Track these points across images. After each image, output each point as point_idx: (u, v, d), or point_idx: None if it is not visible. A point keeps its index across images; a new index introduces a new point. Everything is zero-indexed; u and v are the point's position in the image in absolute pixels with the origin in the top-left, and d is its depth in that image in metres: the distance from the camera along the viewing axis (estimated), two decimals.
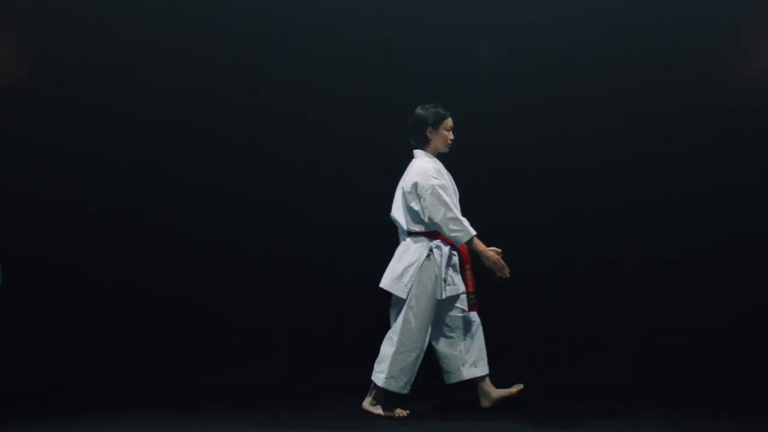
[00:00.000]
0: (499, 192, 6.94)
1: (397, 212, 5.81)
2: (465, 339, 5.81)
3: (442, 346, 5.82)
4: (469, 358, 5.80)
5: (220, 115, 7.03)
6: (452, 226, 5.57)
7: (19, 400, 6.31)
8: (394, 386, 5.67)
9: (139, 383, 6.74)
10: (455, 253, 5.77)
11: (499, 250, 5.67)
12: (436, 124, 5.75)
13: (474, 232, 5.61)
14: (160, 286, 6.94)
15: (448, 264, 5.71)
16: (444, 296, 5.66)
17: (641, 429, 5.52)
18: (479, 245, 5.63)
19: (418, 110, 5.82)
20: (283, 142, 7.04)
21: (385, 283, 5.76)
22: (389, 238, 6.91)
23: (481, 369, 5.81)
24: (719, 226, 6.83)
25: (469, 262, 5.74)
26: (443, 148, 5.81)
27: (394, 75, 7.00)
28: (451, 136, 5.81)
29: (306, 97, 7.02)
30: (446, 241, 5.71)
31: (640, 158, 6.93)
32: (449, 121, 5.79)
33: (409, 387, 5.70)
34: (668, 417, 5.76)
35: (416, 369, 5.71)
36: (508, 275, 5.68)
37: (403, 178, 5.82)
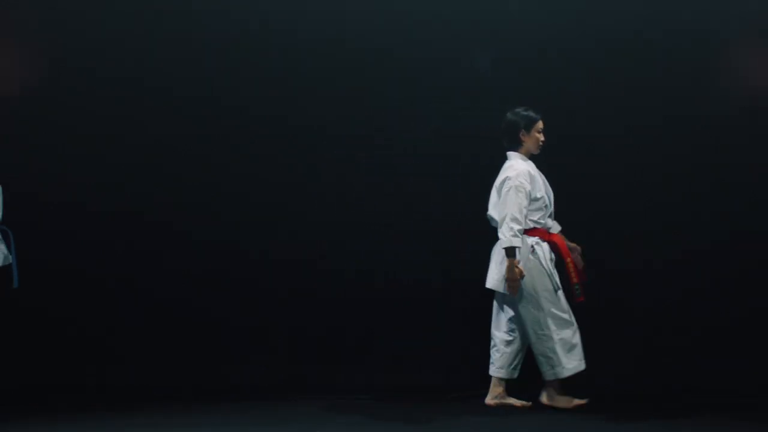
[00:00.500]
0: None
1: (494, 210, 5.99)
2: (522, 339, 6.01)
3: (502, 338, 6.04)
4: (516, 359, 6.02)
5: (220, 116, 7.03)
6: (505, 229, 5.81)
7: (19, 399, 6.32)
8: (572, 369, 5.87)
9: (139, 383, 6.74)
10: (551, 250, 5.99)
11: (524, 275, 5.82)
12: (528, 127, 6.00)
13: (516, 245, 5.80)
14: (160, 286, 6.94)
15: (549, 259, 5.95)
16: (559, 285, 5.90)
17: (641, 429, 5.52)
18: (511, 261, 5.80)
19: (509, 115, 6.05)
20: (283, 142, 7.04)
21: (493, 283, 5.95)
22: (389, 238, 6.95)
23: (515, 373, 6.05)
24: (719, 226, 6.82)
25: (569, 255, 5.96)
26: (535, 150, 6.05)
27: (394, 75, 6.99)
28: (542, 138, 6.04)
29: (306, 98, 7.02)
30: (543, 237, 5.93)
31: (640, 158, 6.93)
32: (540, 124, 6.04)
33: (583, 362, 5.91)
34: (668, 417, 5.76)
35: (579, 344, 5.91)
36: (512, 294, 5.86)
37: (497, 178, 6.00)
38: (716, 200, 6.84)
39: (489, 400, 5.99)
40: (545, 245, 5.94)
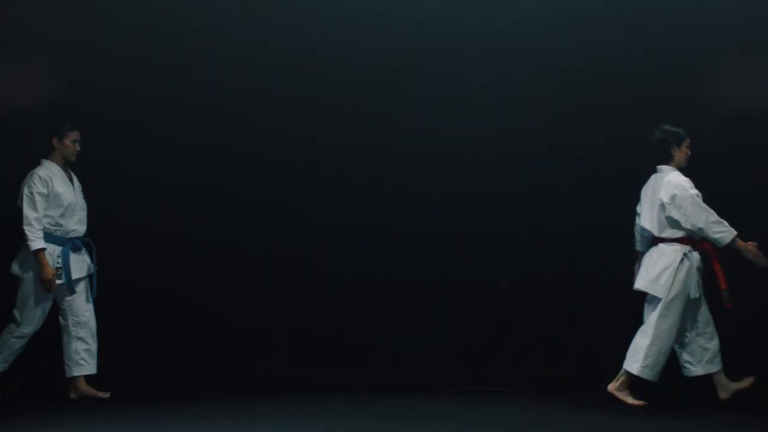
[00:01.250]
0: (504, 194, 6.95)
1: (647, 221, 6.29)
2: (697, 337, 6.25)
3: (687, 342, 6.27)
4: (706, 356, 6.22)
5: (220, 116, 7.04)
6: (716, 228, 6.09)
7: (19, 399, 6.31)
8: (648, 374, 6.07)
9: (140, 383, 6.73)
10: (700, 259, 6.25)
11: (756, 243, 6.08)
12: (679, 143, 6.32)
13: (735, 232, 6.07)
14: (160, 286, 6.94)
15: (698, 268, 6.21)
16: (698, 295, 6.16)
17: (641, 429, 5.52)
18: (740, 243, 6.09)
19: (658, 133, 6.34)
20: (283, 142, 7.04)
21: (643, 284, 6.21)
22: (389, 238, 6.95)
23: (716, 365, 6.22)
24: None
25: (718, 262, 6.17)
26: (683, 164, 6.37)
27: (394, 75, 7.00)
28: (689, 152, 6.33)
29: (306, 98, 7.03)
30: (695, 247, 6.21)
31: (641, 160, 6.92)
32: (688, 140, 6.35)
33: (658, 376, 6.10)
34: (669, 416, 5.76)
35: (665, 360, 6.12)
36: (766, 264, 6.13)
37: (655, 190, 6.26)
38: (716, 200, 6.83)
39: (722, 395, 6.14)
40: (695, 254, 6.19)
